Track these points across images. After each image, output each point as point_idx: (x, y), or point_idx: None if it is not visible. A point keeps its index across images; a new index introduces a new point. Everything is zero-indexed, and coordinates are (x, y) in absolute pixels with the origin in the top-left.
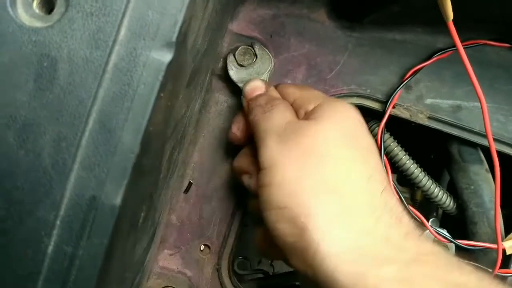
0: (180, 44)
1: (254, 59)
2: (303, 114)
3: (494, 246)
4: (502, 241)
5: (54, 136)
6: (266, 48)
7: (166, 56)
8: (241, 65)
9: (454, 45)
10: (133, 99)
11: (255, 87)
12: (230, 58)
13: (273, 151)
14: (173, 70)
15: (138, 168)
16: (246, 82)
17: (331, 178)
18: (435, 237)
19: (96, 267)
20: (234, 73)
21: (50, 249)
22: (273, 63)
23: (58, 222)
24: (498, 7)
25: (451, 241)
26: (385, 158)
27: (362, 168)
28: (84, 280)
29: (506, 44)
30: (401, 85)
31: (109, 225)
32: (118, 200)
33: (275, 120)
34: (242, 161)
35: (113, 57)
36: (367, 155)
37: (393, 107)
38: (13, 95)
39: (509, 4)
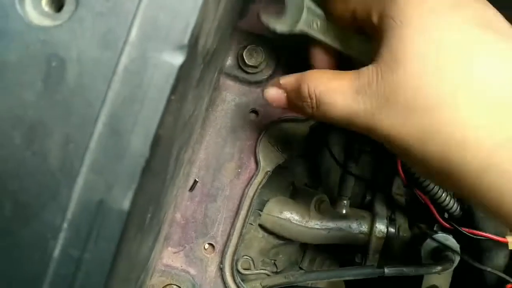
0: (191, 47)
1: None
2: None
3: (500, 238)
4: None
5: (62, 138)
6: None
7: (178, 59)
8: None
9: None
10: (143, 102)
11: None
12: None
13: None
14: (183, 72)
15: (147, 172)
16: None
17: None
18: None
19: (103, 272)
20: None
21: (56, 252)
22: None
23: (65, 226)
24: None
25: (457, 228)
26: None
27: None
28: (91, 285)
29: None
30: None
31: (117, 229)
32: (126, 205)
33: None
34: None
35: (124, 59)
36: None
37: None
38: (20, 95)
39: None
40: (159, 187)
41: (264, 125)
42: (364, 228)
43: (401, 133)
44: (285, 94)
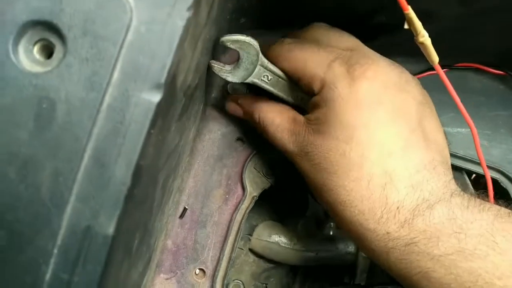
0: (168, 85)
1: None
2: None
3: None
4: None
5: (52, 171)
6: None
7: (156, 97)
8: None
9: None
10: (125, 136)
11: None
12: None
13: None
14: (162, 108)
15: (131, 199)
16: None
17: None
18: None
19: None
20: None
21: (48, 276)
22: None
23: (55, 251)
24: (485, 37)
25: None
26: None
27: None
28: None
29: (500, 71)
30: None
31: (103, 253)
32: (111, 230)
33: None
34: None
35: (107, 98)
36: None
37: None
38: (14, 134)
39: (494, 34)
40: (146, 214)
41: (250, 152)
42: (351, 248)
43: (312, 184)
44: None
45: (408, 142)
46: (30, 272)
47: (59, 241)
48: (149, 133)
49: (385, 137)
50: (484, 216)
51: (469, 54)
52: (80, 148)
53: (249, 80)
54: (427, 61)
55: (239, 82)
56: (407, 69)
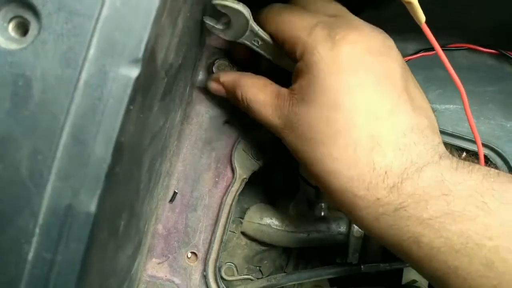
0: (146, 60)
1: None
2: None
3: None
4: None
5: (30, 150)
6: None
7: (133, 72)
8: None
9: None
10: (103, 112)
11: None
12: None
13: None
14: (142, 84)
15: (113, 177)
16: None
17: None
18: None
19: (74, 272)
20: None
21: (30, 255)
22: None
23: (37, 230)
24: (473, 14)
25: None
26: None
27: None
28: (63, 285)
29: (492, 50)
30: None
31: (85, 231)
32: (92, 208)
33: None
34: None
35: (84, 75)
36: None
37: None
38: None
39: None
40: (132, 195)
41: (238, 134)
42: (342, 228)
43: (300, 157)
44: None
45: (394, 105)
46: (12, 252)
47: (40, 220)
48: (128, 109)
49: (371, 101)
50: (473, 176)
51: (458, 34)
52: (58, 126)
53: (240, 40)
54: (418, 41)
55: (231, 40)
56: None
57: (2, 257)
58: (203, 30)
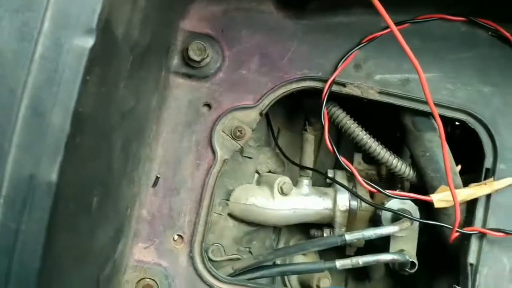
0: (101, 31)
1: None
2: None
3: (425, 197)
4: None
5: None
6: (218, 43)
7: (88, 42)
8: None
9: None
10: (60, 83)
11: None
12: None
13: None
14: (99, 55)
15: (74, 148)
16: None
17: None
18: (367, 188)
19: (39, 240)
20: None
21: None
22: None
23: (1, 201)
24: None
25: (381, 192)
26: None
27: None
28: (29, 253)
29: (462, 18)
30: (346, 56)
31: (48, 200)
32: (53, 177)
33: None
34: None
35: (39, 47)
36: None
37: (344, 86)
38: None
39: None
40: (103, 172)
41: (217, 117)
42: (328, 203)
43: None
44: None
45: None
46: None
47: (3, 192)
48: (84, 80)
49: None
50: None
51: (428, 4)
52: (16, 99)
53: None
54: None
55: None
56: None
57: None
58: (173, 12)
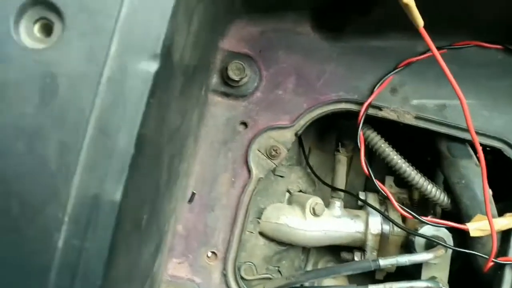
0: (164, 56)
1: None
2: None
3: (462, 226)
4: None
5: (58, 142)
6: (256, 63)
7: (153, 67)
8: None
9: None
10: (125, 106)
11: None
12: None
13: None
14: (161, 79)
15: (135, 168)
16: None
17: None
18: (401, 213)
19: (102, 258)
20: None
21: (60, 243)
22: None
23: (66, 219)
24: (479, 11)
25: (416, 218)
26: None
27: None
28: (92, 271)
29: (498, 46)
30: (382, 79)
31: (112, 219)
32: (118, 196)
33: None
34: None
35: (106, 70)
36: None
37: (380, 110)
38: (21, 108)
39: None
40: (153, 190)
41: (253, 135)
42: (360, 226)
43: None
44: None
45: None
46: (43, 239)
47: (69, 210)
48: (148, 103)
49: None
50: None
51: (464, 31)
52: (84, 119)
53: None
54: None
55: None
56: (404, 48)
57: (33, 245)
58: (215, 33)
